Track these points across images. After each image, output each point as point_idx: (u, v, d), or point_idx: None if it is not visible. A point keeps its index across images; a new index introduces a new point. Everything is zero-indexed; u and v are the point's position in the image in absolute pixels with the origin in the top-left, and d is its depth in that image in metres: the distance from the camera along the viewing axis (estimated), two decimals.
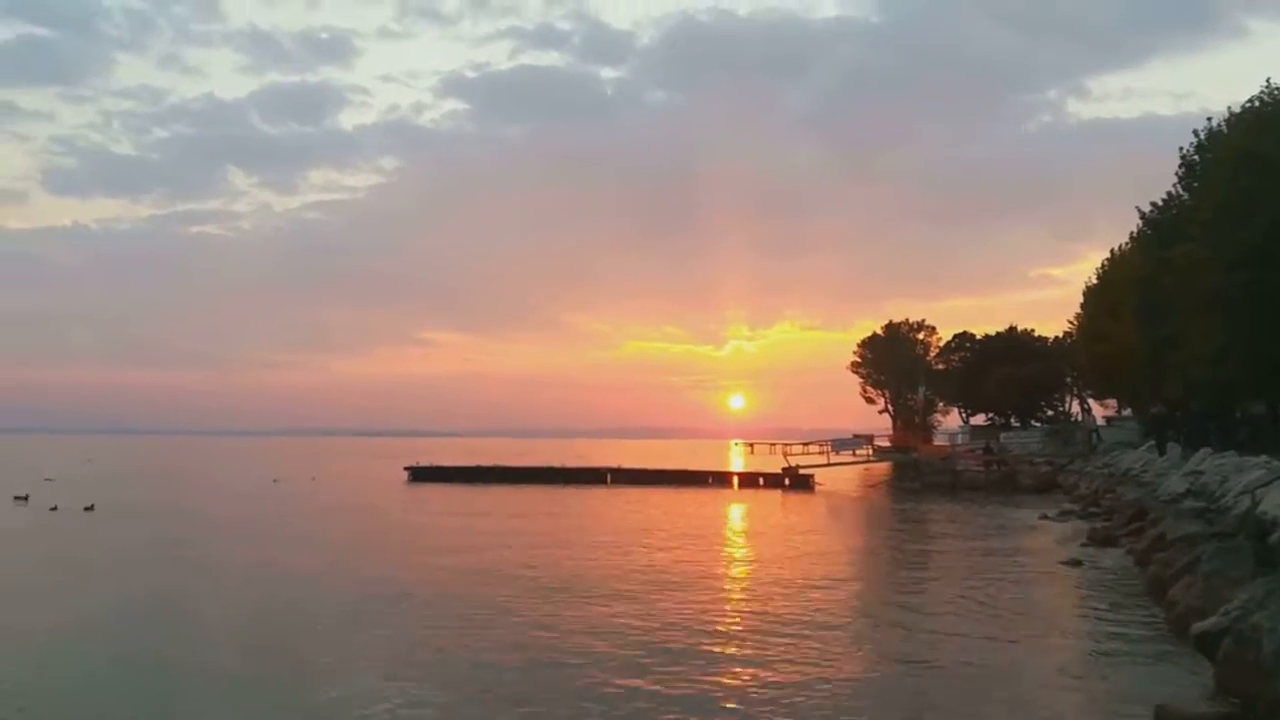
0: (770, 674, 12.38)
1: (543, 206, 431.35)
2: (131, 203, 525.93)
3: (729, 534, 31.17)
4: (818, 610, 16.73)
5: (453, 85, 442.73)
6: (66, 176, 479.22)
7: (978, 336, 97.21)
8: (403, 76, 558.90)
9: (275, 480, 59.93)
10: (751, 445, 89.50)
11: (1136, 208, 45.13)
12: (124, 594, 18.84)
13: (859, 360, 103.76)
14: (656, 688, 11.72)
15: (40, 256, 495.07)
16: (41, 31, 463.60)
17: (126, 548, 26.24)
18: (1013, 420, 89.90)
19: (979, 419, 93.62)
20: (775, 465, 60.57)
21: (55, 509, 36.49)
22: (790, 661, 13.02)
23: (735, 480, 59.42)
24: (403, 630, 15.16)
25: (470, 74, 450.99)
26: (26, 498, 40.48)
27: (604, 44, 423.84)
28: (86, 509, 36.52)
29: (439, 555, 24.36)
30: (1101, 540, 25.43)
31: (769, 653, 13.50)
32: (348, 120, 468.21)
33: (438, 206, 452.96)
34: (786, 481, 55.59)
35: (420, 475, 64.35)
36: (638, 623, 15.56)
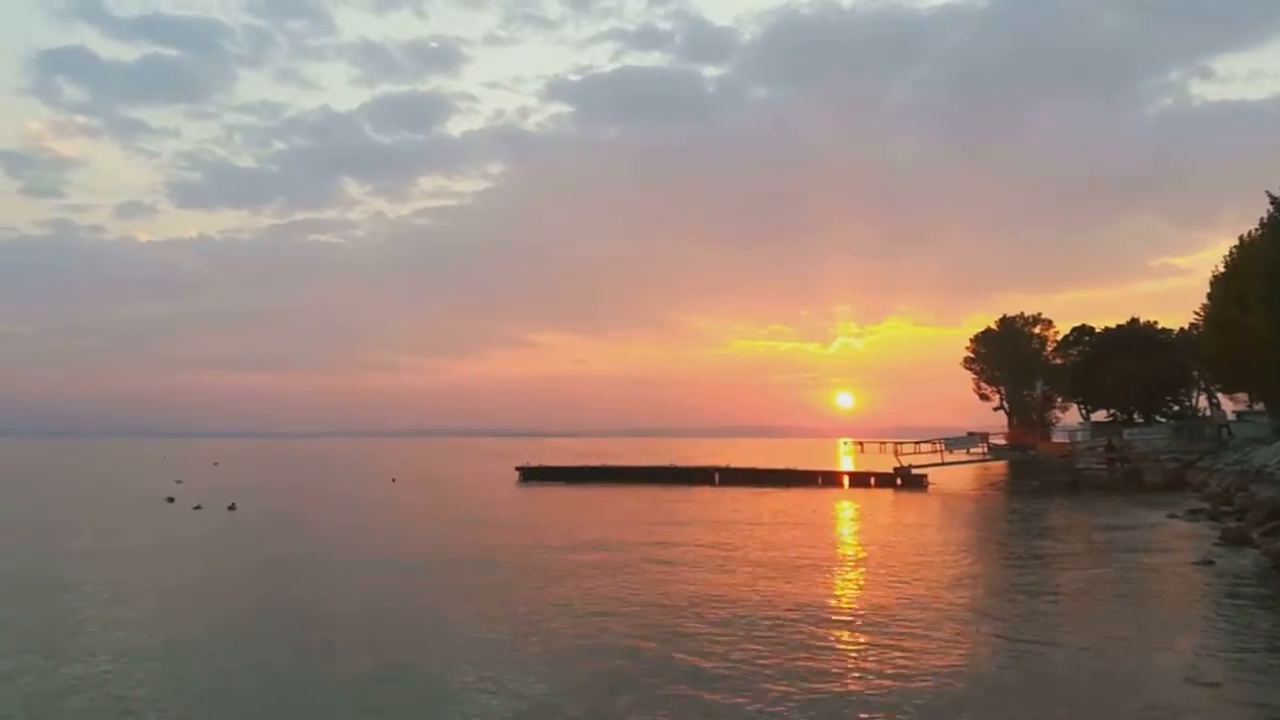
0: (888, 670, 12.29)
1: (647, 206, 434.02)
2: (253, 214, 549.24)
3: (842, 535, 30.84)
4: (934, 610, 16.49)
5: (557, 89, 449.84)
6: (192, 190, 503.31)
7: (1097, 330, 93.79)
8: (508, 82, 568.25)
9: (393, 480, 62.08)
10: (861, 444, 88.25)
11: (1267, 192, 43.12)
12: (273, 591, 19.81)
13: (972, 356, 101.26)
14: (784, 687, 11.77)
15: (168, 267, 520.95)
16: (169, 51, 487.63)
17: (270, 547, 27.62)
18: (1136, 416, 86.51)
19: (1100, 415, 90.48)
20: (886, 464, 59.65)
21: (199, 508, 38.96)
22: (907, 660, 12.90)
23: (845, 480, 58.66)
24: (527, 621, 15.51)
25: (574, 77, 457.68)
26: (173, 500, 43.33)
27: (706, 42, 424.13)
28: (229, 509, 38.91)
29: (558, 553, 24.84)
30: (1235, 540, 24.47)
31: (886, 652, 13.40)
32: (456, 127, 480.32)
33: (543, 209, 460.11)
34: (898, 481, 54.72)
35: (531, 475, 65.51)
36: (755, 616, 15.60)
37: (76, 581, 20.48)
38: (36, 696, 11.74)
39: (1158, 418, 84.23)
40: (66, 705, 11.39)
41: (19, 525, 33.39)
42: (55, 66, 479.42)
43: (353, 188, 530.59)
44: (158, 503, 42.41)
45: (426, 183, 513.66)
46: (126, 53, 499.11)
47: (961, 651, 13.61)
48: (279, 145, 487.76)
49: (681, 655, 13.37)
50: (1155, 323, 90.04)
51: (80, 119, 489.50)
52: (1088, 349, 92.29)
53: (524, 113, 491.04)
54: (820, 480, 58.42)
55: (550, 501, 45.50)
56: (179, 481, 58.31)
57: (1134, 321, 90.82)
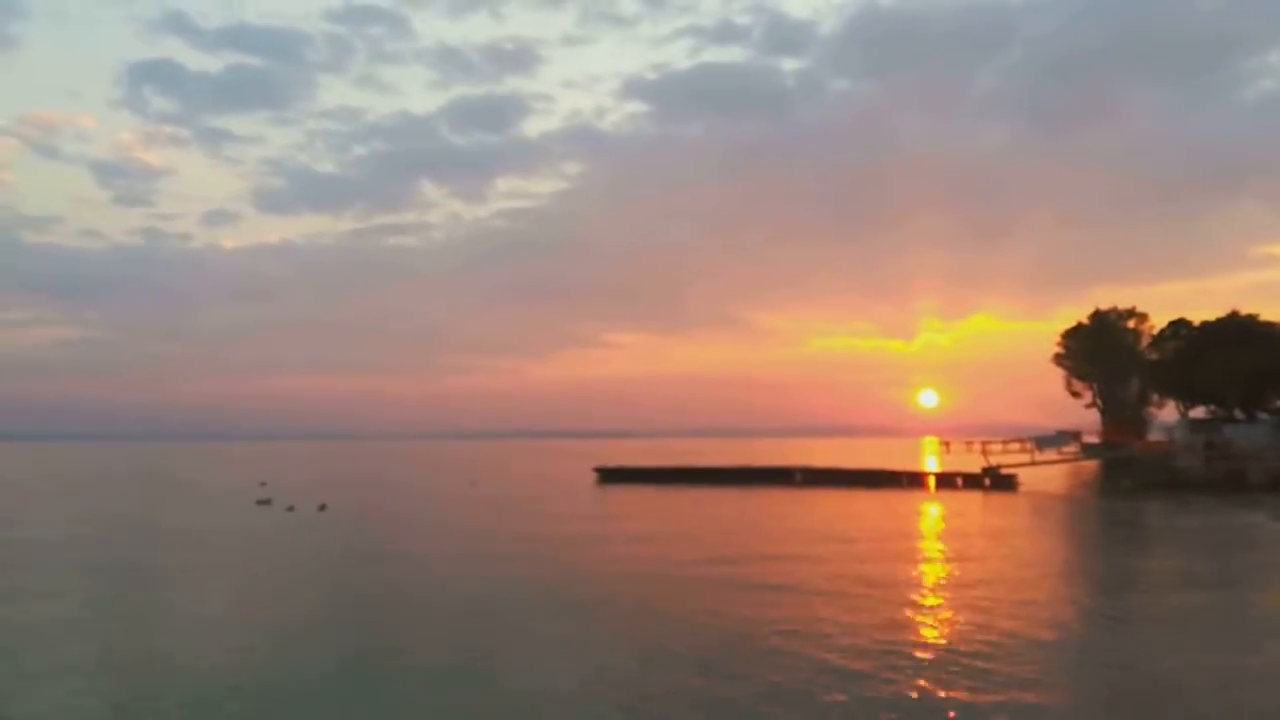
0: (983, 688, 11.99)
1: (723, 204, 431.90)
2: (334, 218, 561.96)
3: (929, 540, 30.25)
4: (1029, 622, 16.07)
5: (633, 87, 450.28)
6: (275, 196, 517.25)
7: (1195, 323, 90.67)
8: (584, 81, 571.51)
9: (472, 483, 62.78)
10: (947, 443, 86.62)
11: None
12: (367, 585, 20.19)
13: (1063, 351, 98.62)
14: (872, 694, 11.57)
15: (253, 272, 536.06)
16: (252, 61, 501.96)
17: (359, 544, 28.64)
18: (1237, 413, 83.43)
19: (1198, 412, 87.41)
20: (973, 464, 58.53)
21: (292, 509, 40.83)
22: (1003, 678, 12.56)
23: (931, 481, 57.61)
24: (601, 626, 15.51)
25: (650, 75, 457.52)
26: (269, 501, 45.23)
27: (785, 35, 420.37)
28: (320, 509, 40.87)
29: (629, 549, 24.82)
30: None
31: (982, 666, 13.08)
32: (532, 128, 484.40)
33: (620, 209, 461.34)
34: (987, 481, 53.67)
35: (609, 476, 65.76)
36: (845, 629, 15.38)
37: (201, 577, 21.19)
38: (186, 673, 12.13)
39: (1260, 415, 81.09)
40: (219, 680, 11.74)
41: (137, 528, 34.58)
42: (144, 78, 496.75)
43: (431, 190, 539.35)
44: (249, 505, 43.85)
45: (503, 184, 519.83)
46: (212, 63, 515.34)
47: (1049, 678, 13.20)
48: (359, 150, 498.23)
49: (764, 674, 13.20)
50: (1257, 315, 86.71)
51: (168, 129, 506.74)
52: (1185, 343, 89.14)
53: (600, 112, 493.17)
54: (905, 481, 57.54)
55: (629, 502, 45.57)
56: (263, 483, 60.20)
57: (1234, 314, 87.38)
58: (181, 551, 27.06)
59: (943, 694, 11.75)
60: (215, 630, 16.15)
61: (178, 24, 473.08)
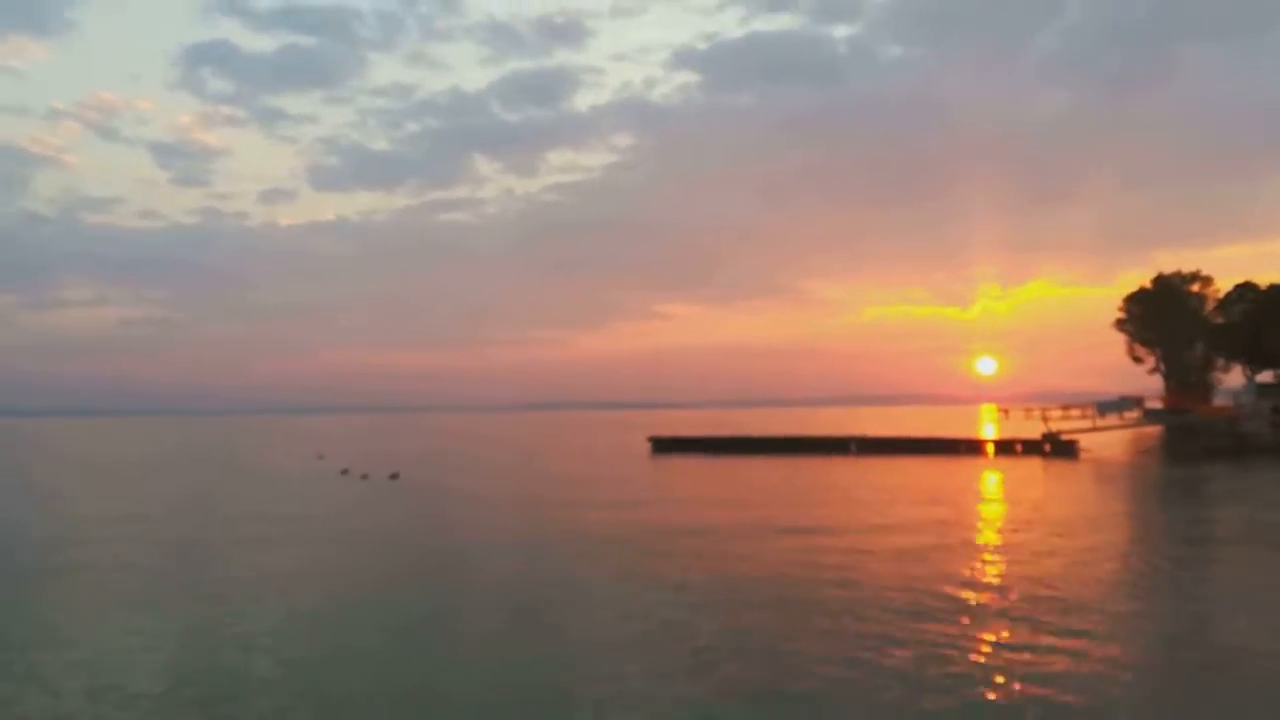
0: (1039, 657, 12.03)
1: (775, 173, 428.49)
2: (387, 195, 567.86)
3: (989, 506, 30.08)
4: (1093, 584, 16.01)
5: (684, 58, 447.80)
6: (330, 174, 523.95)
7: (1262, 286, 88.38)
8: (634, 53, 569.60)
9: (532, 456, 63.44)
10: (1005, 410, 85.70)
11: None
12: (451, 541, 20.73)
13: (1125, 316, 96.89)
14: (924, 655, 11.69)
15: (308, 249, 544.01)
16: (305, 40, 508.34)
17: (435, 507, 29.25)
18: None
19: (1265, 376, 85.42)
20: (1033, 431, 57.91)
21: (365, 477, 42.86)
22: (1058, 648, 12.57)
23: (990, 448, 57.07)
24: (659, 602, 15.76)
25: (701, 45, 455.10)
26: (346, 470, 46.86)
27: (836, 2, 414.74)
28: (392, 477, 42.69)
29: (688, 514, 25.07)
30: None
31: (1037, 637, 13.10)
32: (583, 101, 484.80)
33: (671, 180, 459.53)
34: (1047, 448, 53.12)
35: (663, 447, 66.06)
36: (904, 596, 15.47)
37: (294, 539, 21.87)
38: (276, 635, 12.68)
39: None
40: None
41: (236, 499, 35.66)
42: (201, 59, 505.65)
43: (483, 166, 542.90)
44: (333, 475, 45.59)
45: (555, 158, 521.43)
46: (266, 43, 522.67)
47: (1112, 651, 13.18)
48: (411, 127, 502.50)
49: (826, 652, 13.34)
50: None
51: (225, 109, 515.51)
52: (1252, 306, 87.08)
53: (650, 84, 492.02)
54: (963, 449, 57.09)
55: (685, 473, 45.82)
56: (320, 456, 61.69)
57: None
58: (291, 514, 28.18)
59: (1004, 644, 11.84)
60: (325, 580, 16.68)
61: (231, 5, 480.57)
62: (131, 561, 20.48)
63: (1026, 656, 11.68)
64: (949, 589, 15.81)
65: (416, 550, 21.80)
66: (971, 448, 57.45)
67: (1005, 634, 12.84)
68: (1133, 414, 59.98)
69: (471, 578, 18.27)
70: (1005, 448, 55.93)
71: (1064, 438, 53.66)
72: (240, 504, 33.25)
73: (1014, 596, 15.22)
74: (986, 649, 12.08)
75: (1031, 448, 53.97)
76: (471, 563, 19.97)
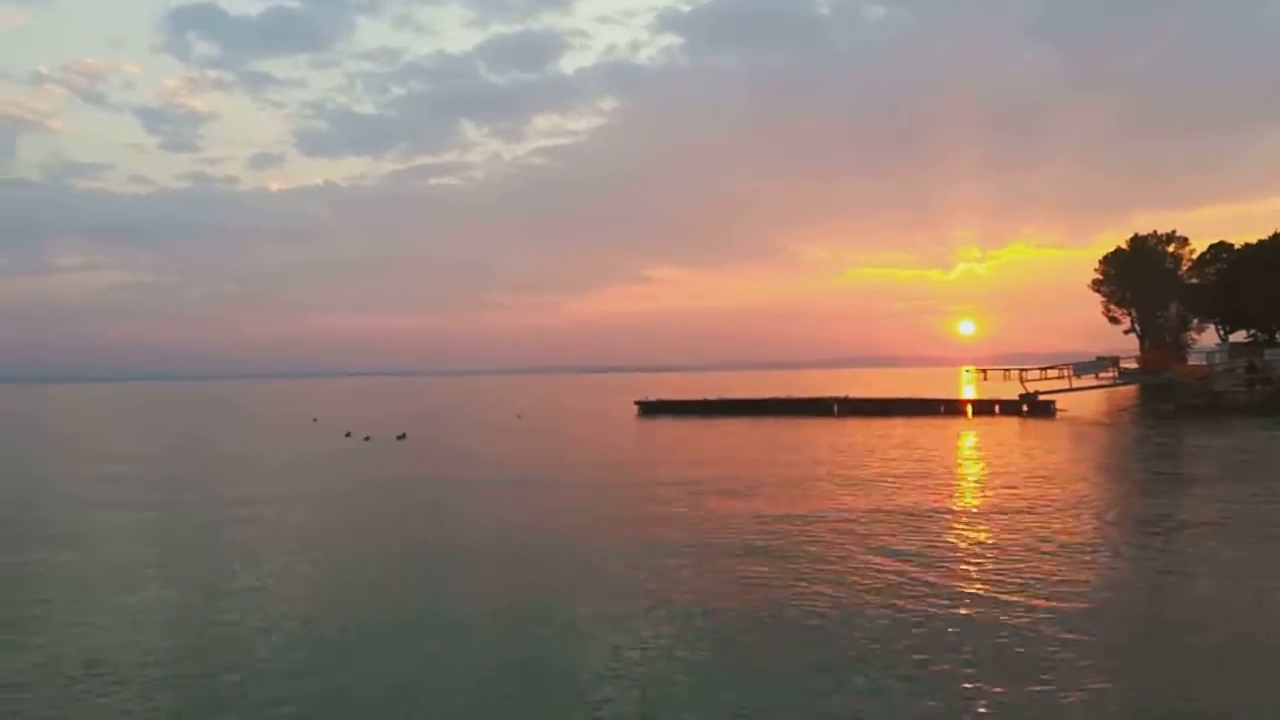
0: (1025, 600, 12.29)
1: (760, 136, 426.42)
2: (375, 160, 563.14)
3: (967, 464, 30.44)
4: (1066, 537, 16.32)
5: (668, 20, 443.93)
6: (317, 138, 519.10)
7: (1236, 246, 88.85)
8: (619, 16, 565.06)
9: (518, 416, 63.92)
10: (984, 371, 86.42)
11: None
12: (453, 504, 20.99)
13: (1101, 278, 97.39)
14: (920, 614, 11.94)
15: (298, 214, 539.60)
16: (290, 2, 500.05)
17: (447, 471, 29.17)
18: (1278, 336, 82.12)
19: (1239, 336, 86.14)
20: (1011, 392, 58.35)
21: (369, 439, 43.99)
22: (1042, 591, 12.84)
23: (969, 408, 57.44)
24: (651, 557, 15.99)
25: (684, 7, 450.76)
26: (349, 434, 47.57)
27: None
28: (399, 438, 44.22)
29: (669, 472, 25.34)
30: None
31: (1025, 576, 13.38)
32: (568, 64, 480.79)
33: (656, 143, 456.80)
34: (1024, 408, 53.52)
35: (650, 410, 66.36)
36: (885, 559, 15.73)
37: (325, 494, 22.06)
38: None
39: None
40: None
41: (255, 461, 35.74)
42: (186, 23, 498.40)
43: (470, 130, 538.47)
44: (338, 437, 46.50)
45: (541, 122, 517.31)
46: (252, 6, 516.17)
47: (1096, 589, 13.46)
48: (398, 90, 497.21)
49: (816, 606, 13.59)
50: None
51: (212, 74, 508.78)
52: (1226, 267, 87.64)
53: (635, 46, 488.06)
54: (943, 409, 57.50)
55: (671, 434, 46.13)
56: (315, 420, 62.09)
57: (1276, 236, 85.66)
58: (305, 477, 28.09)
59: (981, 601, 12.10)
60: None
61: None
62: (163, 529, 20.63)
63: (1010, 597, 11.96)
64: (927, 542, 16.11)
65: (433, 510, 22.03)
66: (951, 408, 57.81)
67: (985, 582, 13.11)
68: (1109, 374, 60.46)
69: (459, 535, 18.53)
70: (984, 408, 56.35)
71: (1041, 398, 54.06)
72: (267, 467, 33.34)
73: (994, 547, 15.51)
74: (961, 585, 12.35)
75: (1009, 408, 54.39)
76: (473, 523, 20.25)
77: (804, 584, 13.42)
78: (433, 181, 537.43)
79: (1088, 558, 14.84)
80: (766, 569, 14.44)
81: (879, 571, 14.12)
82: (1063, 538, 16.37)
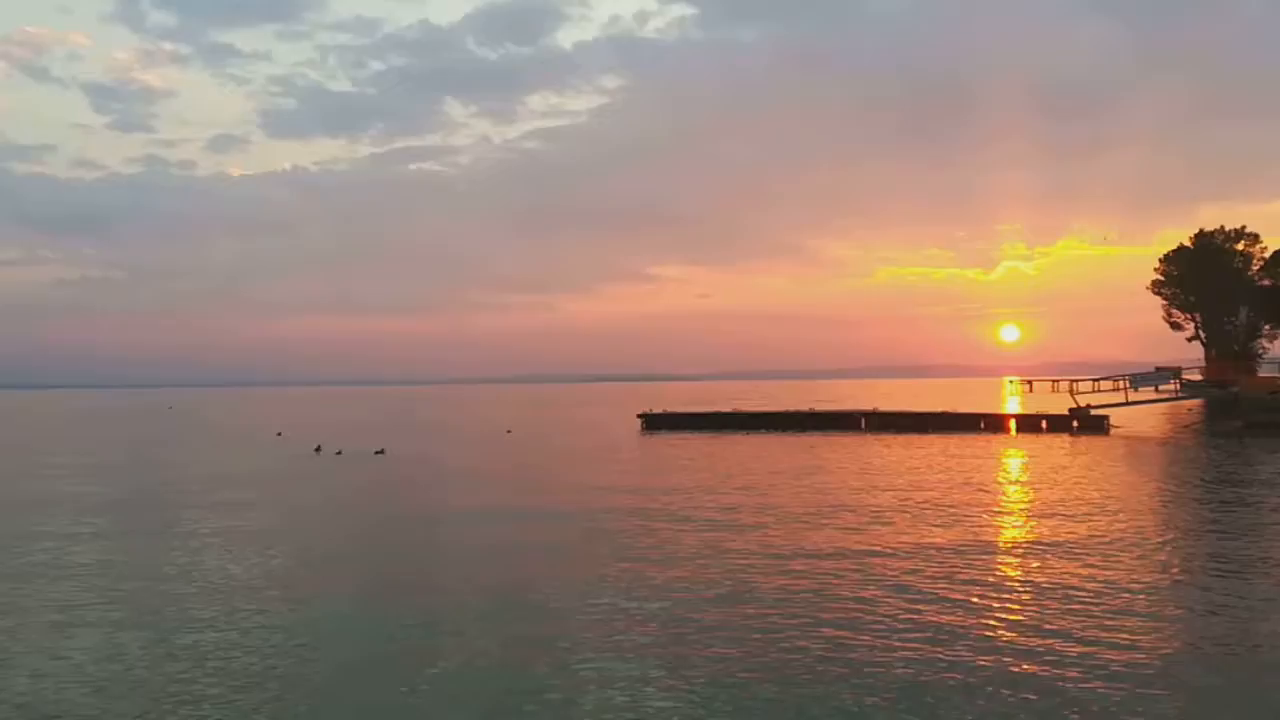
0: (1071, 654, 12.04)
1: (780, 118, 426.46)
2: (350, 142, 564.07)
3: (1014, 494, 30.12)
4: (1117, 585, 16.05)
5: None
6: (285, 118, 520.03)
7: None
8: None
9: (508, 430, 63.78)
10: (1029, 383, 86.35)
11: None
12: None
13: (1162, 278, 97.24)
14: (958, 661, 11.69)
15: (262, 202, 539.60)
16: None
17: (427, 494, 28.98)
18: None
19: None
20: (1059, 406, 58.16)
21: (340, 454, 44.82)
22: (1091, 643, 12.58)
23: (1012, 424, 57.39)
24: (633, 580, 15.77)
25: None
26: (319, 448, 48.01)
27: None
28: (377, 453, 44.97)
29: (676, 503, 25.12)
30: None
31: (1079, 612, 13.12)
32: (567, 38, 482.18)
33: (666, 126, 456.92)
34: (1075, 424, 53.32)
35: (654, 423, 66.19)
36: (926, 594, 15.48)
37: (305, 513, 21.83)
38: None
39: None
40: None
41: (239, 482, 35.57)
42: None
43: (456, 110, 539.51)
44: (305, 452, 46.99)
45: (536, 101, 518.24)
46: None
47: (1145, 645, 13.20)
48: (376, 65, 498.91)
49: (832, 651, 13.34)
50: None
51: (168, 46, 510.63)
52: None
53: (642, 18, 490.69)
54: (983, 425, 57.55)
55: (677, 452, 45.85)
56: (279, 433, 62.03)
57: None
58: (261, 505, 27.88)
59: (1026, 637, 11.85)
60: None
61: None
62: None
63: (1042, 653, 11.70)
64: (963, 584, 15.84)
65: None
66: (993, 424, 57.78)
67: (1031, 611, 12.84)
68: (1169, 386, 60.18)
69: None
70: (1029, 424, 56.29)
71: (1093, 413, 53.82)
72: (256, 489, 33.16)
73: (1033, 597, 15.24)
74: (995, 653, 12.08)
75: (1058, 424, 54.20)
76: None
77: (841, 636, 13.17)
78: (414, 166, 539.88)
79: (1160, 604, 14.54)
80: (796, 623, 14.15)
81: (923, 624, 13.86)
82: (1127, 579, 16.04)
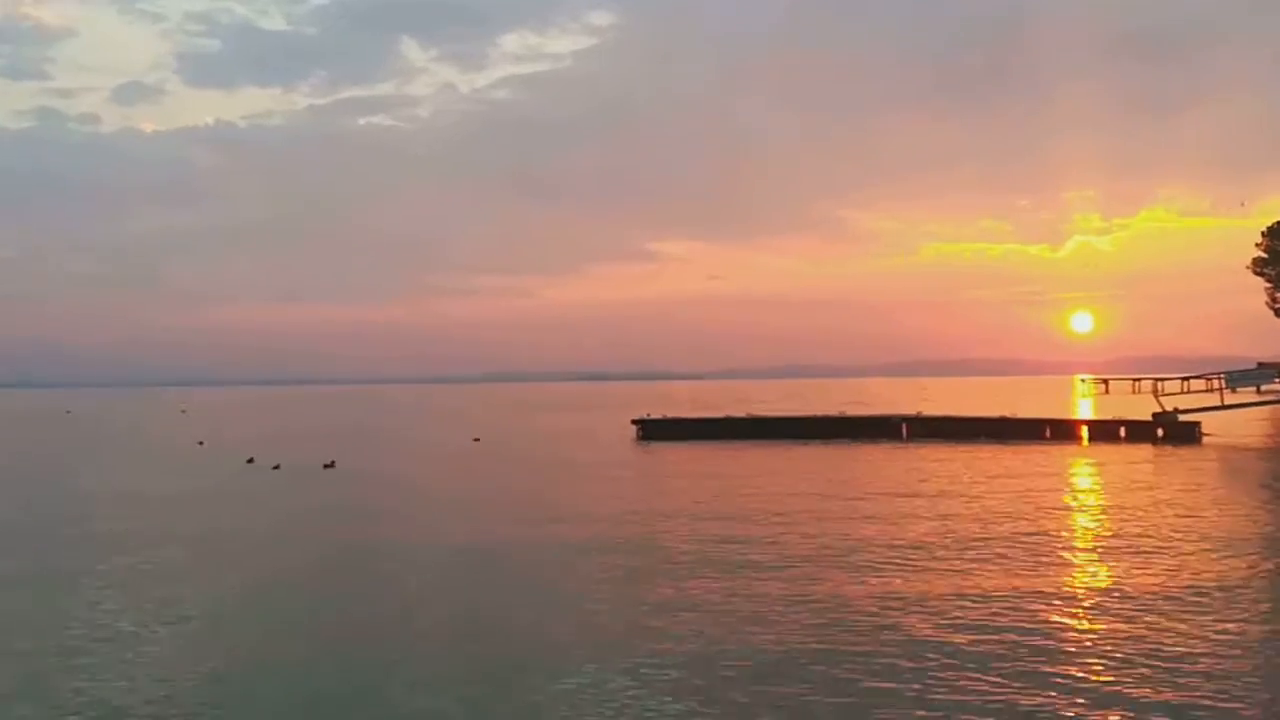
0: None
1: (803, 64, 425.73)
2: (285, 92, 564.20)
3: (1087, 521, 29.82)
4: (1212, 638, 15.73)
5: None
6: (207, 63, 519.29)
7: None
8: None
9: (476, 439, 63.62)
10: (1105, 382, 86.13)
11: None
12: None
13: (1266, 255, 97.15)
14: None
15: (182, 164, 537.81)
16: None
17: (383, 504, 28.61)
18: None
19: None
20: (1141, 409, 57.97)
21: (278, 468, 44.48)
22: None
23: (1084, 432, 57.17)
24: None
25: None
26: (252, 460, 47.73)
27: None
28: (326, 466, 44.68)
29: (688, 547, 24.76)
30: None
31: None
32: None
33: (664, 73, 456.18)
34: (1159, 432, 53.12)
35: (652, 431, 65.86)
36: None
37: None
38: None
39: None
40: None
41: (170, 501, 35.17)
42: None
43: (414, 52, 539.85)
44: (235, 465, 47.06)
45: (510, 42, 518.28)
46: None
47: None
48: (316, 0, 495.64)
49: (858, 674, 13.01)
50: None
51: None
52: None
53: None
54: (1049, 433, 57.27)
55: (681, 467, 45.58)
56: (200, 443, 61.84)
57: None
58: (172, 538, 27.45)
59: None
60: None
61: None
62: None
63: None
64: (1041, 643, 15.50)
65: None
66: (1060, 431, 57.53)
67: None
68: (1275, 386, 60.01)
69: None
70: (1104, 431, 56.13)
71: (1182, 418, 53.59)
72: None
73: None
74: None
75: (1138, 431, 53.97)
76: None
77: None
78: (362, 121, 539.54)
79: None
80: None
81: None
82: (1236, 638, 15.63)
